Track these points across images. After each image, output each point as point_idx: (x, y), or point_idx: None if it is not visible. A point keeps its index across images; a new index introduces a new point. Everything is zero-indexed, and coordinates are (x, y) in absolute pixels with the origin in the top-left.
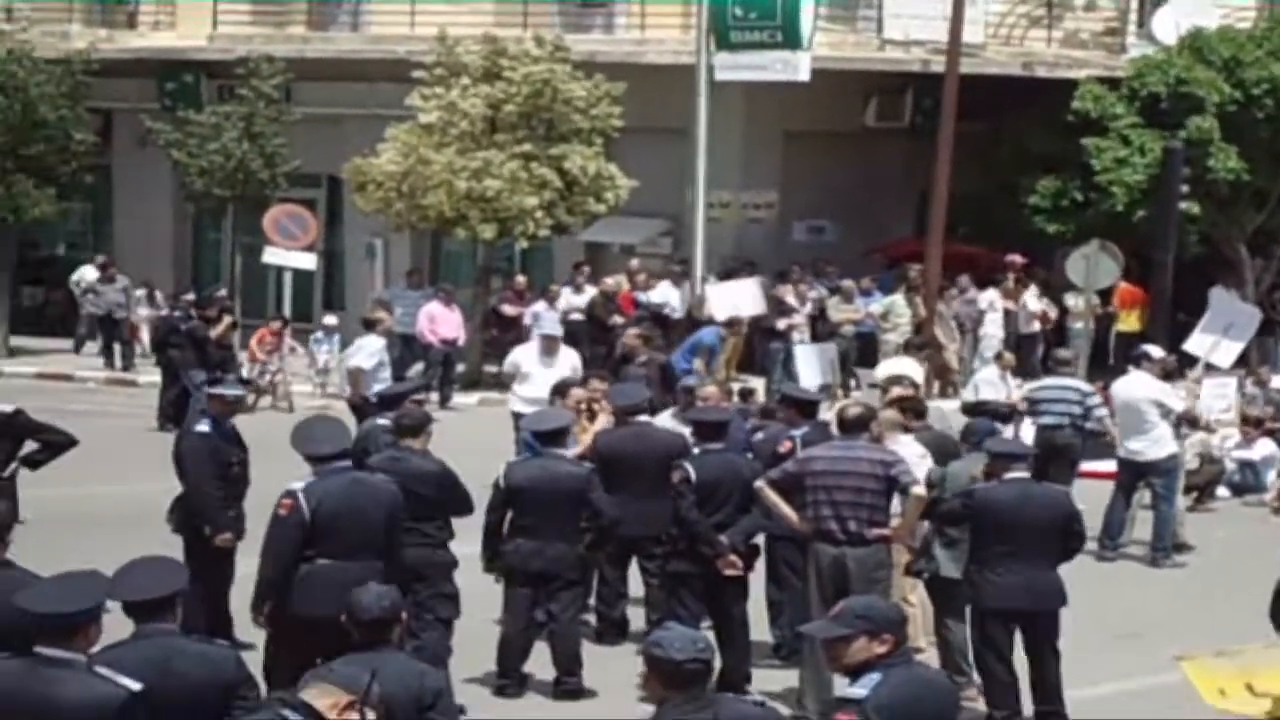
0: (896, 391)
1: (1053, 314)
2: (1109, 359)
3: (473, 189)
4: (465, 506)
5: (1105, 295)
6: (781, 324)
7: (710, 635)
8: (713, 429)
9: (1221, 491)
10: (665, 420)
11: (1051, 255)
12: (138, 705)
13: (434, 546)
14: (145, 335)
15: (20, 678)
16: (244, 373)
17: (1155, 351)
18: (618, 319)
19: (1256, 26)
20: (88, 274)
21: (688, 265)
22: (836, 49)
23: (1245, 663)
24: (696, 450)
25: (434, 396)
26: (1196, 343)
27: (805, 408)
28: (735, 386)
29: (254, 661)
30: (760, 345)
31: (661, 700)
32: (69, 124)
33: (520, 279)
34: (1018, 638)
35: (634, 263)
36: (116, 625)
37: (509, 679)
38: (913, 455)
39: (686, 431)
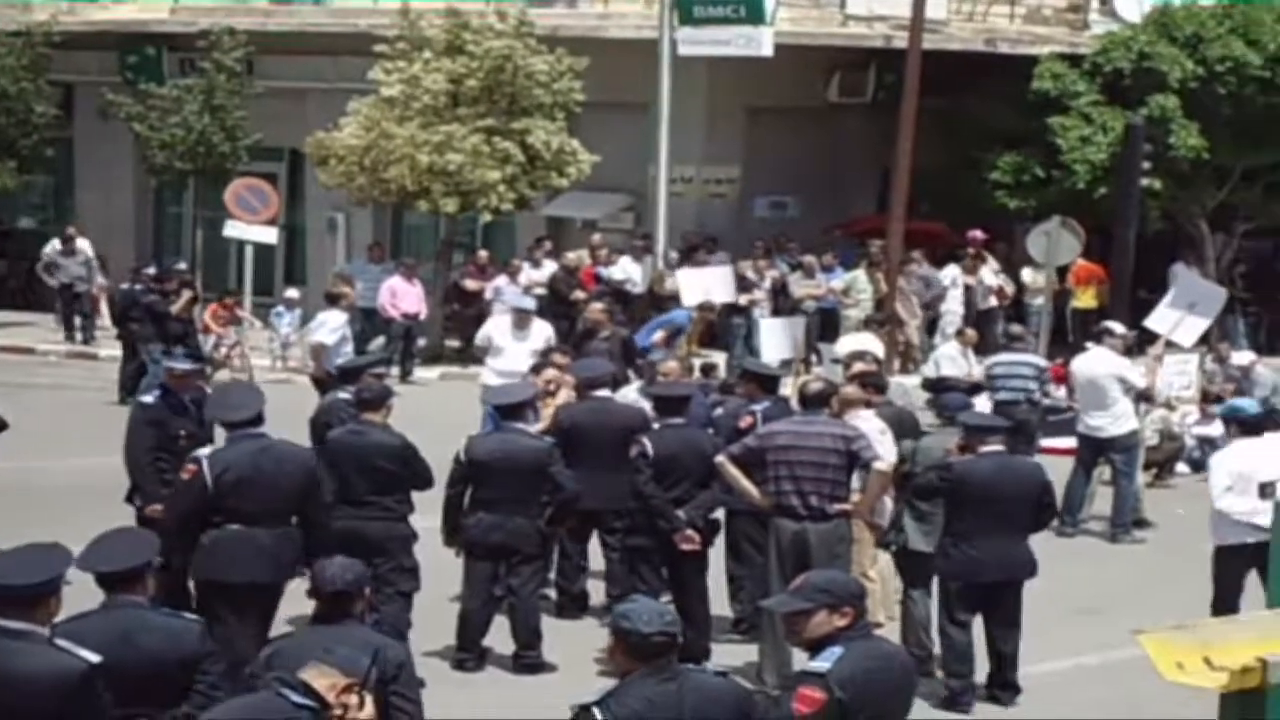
0: (858, 367)
1: (1010, 289)
2: (1068, 336)
3: (435, 163)
4: (426, 480)
5: (1061, 272)
6: (743, 299)
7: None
8: (673, 404)
9: (1181, 468)
10: (630, 394)
11: (1013, 231)
12: (96, 677)
13: (394, 520)
14: (105, 308)
15: None
16: (204, 346)
17: (1116, 327)
18: (579, 294)
19: (1219, 3)
20: (56, 247)
21: (650, 240)
22: (799, 24)
23: (1203, 636)
24: (656, 425)
25: (395, 371)
26: (1158, 319)
27: (766, 383)
28: (696, 362)
29: None
30: (721, 321)
31: (627, 672)
32: (30, 97)
33: (482, 253)
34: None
35: (596, 237)
36: (90, 596)
37: (469, 653)
38: (873, 430)
39: (648, 406)
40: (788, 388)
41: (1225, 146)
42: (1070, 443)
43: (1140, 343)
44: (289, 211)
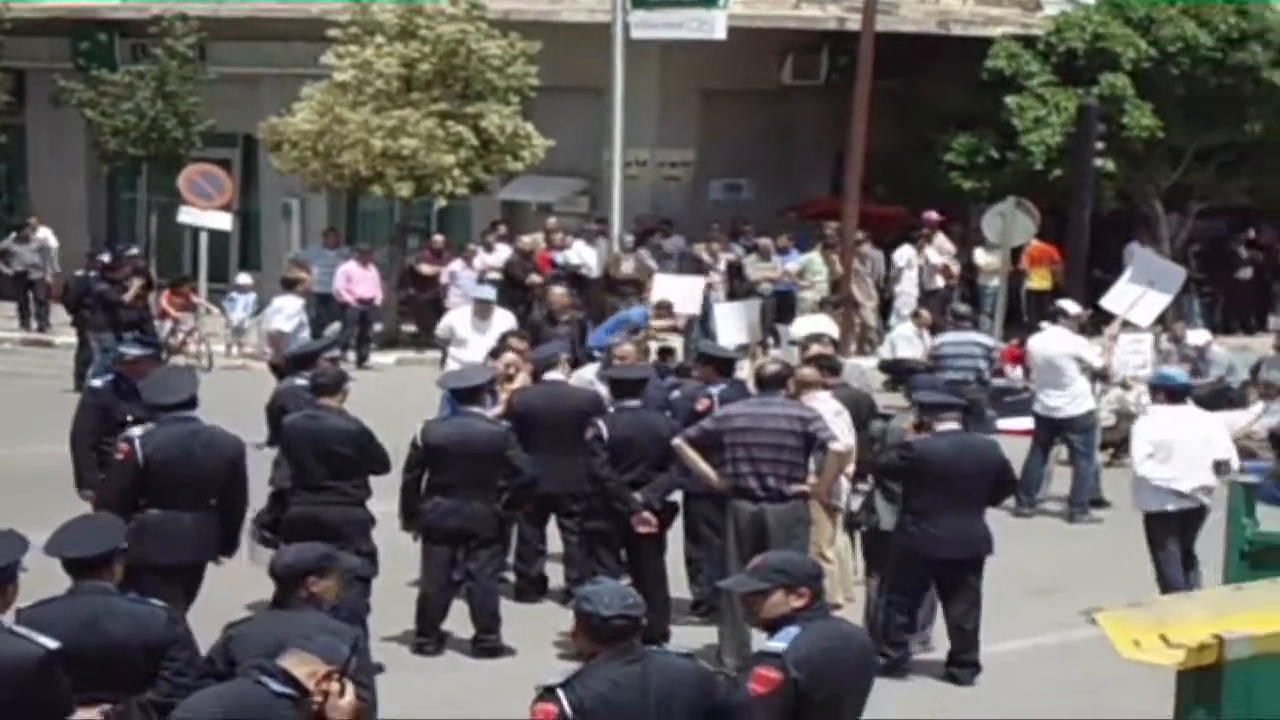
0: (815, 349)
1: (955, 269)
2: (1022, 317)
3: (389, 147)
4: (382, 465)
5: (1015, 253)
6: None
7: None
8: (629, 386)
9: None
10: (587, 376)
11: (968, 213)
12: (54, 663)
13: (351, 505)
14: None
15: None
16: (160, 333)
17: (1071, 307)
18: (534, 278)
19: None
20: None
21: (605, 224)
22: (752, 7)
23: (1159, 613)
24: (612, 408)
25: (351, 356)
26: (1115, 297)
27: (722, 365)
28: (653, 345)
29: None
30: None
31: (590, 655)
32: None
33: (437, 238)
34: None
35: (551, 221)
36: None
37: (428, 637)
38: (829, 411)
39: (604, 388)
40: (745, 370)
41: (1178, 127)
42: (1026, 423)
43: (1095, 322)
44: (243, 197)
